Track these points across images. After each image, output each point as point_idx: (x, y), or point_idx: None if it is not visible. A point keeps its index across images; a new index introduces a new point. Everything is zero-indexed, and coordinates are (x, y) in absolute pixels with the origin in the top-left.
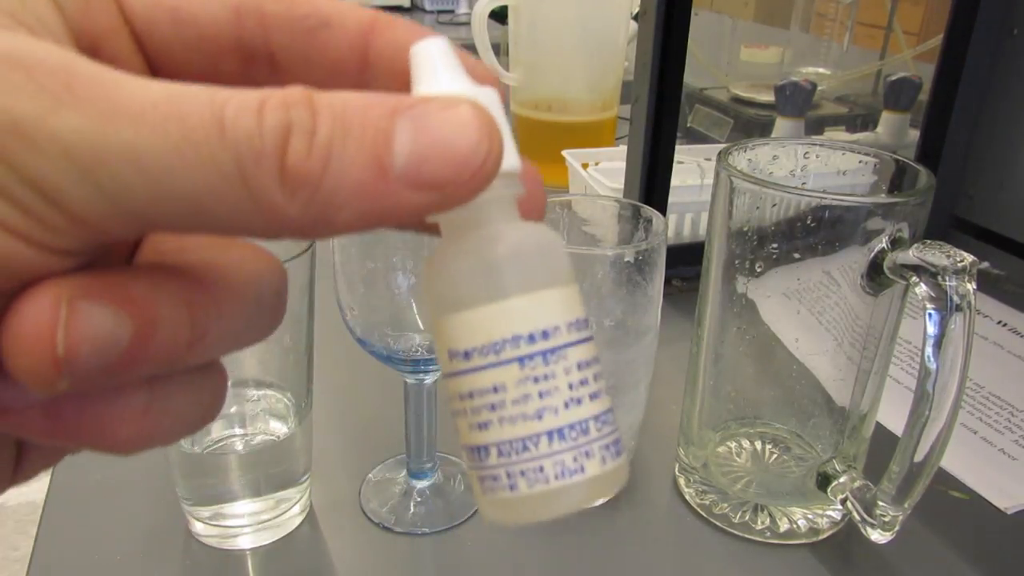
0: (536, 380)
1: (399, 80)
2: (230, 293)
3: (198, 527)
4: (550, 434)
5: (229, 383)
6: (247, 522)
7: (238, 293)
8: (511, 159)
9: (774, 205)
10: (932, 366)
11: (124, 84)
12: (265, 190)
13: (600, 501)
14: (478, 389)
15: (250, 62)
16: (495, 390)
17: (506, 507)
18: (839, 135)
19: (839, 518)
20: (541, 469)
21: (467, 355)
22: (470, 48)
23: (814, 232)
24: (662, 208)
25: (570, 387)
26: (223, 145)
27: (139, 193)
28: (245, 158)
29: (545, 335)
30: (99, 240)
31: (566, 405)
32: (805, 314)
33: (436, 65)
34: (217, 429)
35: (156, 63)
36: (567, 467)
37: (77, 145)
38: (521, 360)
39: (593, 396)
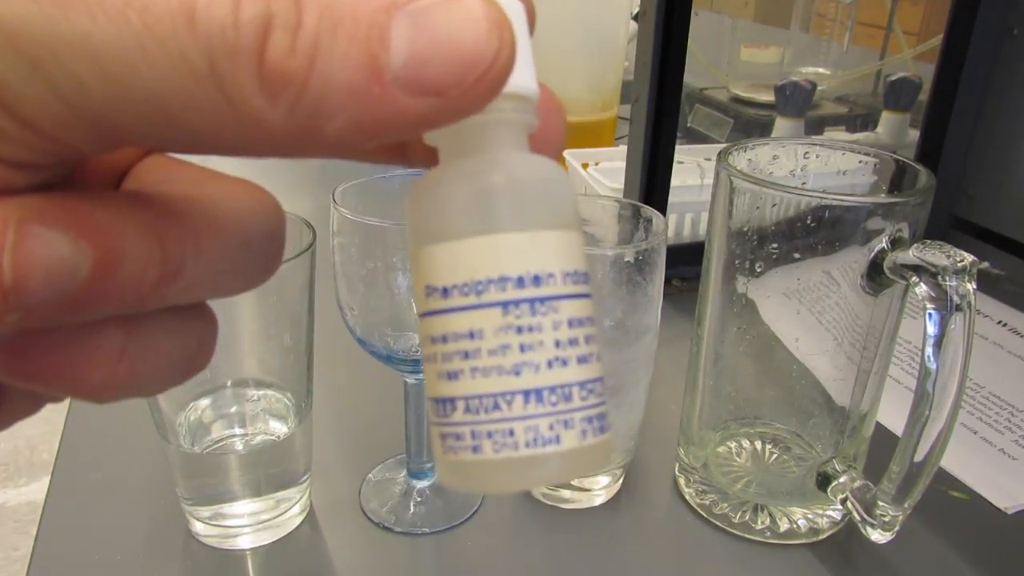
0: (519, 330)
1: None
2: (211, 229)
3: (198, 527)
4: (527, 394)
5: (228, 383)
6: (247, 522)
7: (221, 230)
8: (526, 80)
9: (774, 205)
10: (932, 366)
11: None
12: (242, 92)
13: (571, 479)
14: (452, 332)
15: None
16: (471, 336)
17: (466, 471)
18: (839, 135)
19: (839, 518)
20: (511, 432)
21: (445, 292)
22: None
23: (814, 232)
24: (662, 208)
25: (557, 344)
26: (193, 38)
27: (97, 94)
28: (218, 53)
29: (536, 281)
30: (58, 152)
31: (549, 364)
32: (805, 314)
33: None
34: (217, 429)
35: None
36: (541, 435)
37: (24, 33)
38: (505, 305)
39: (582, 359)
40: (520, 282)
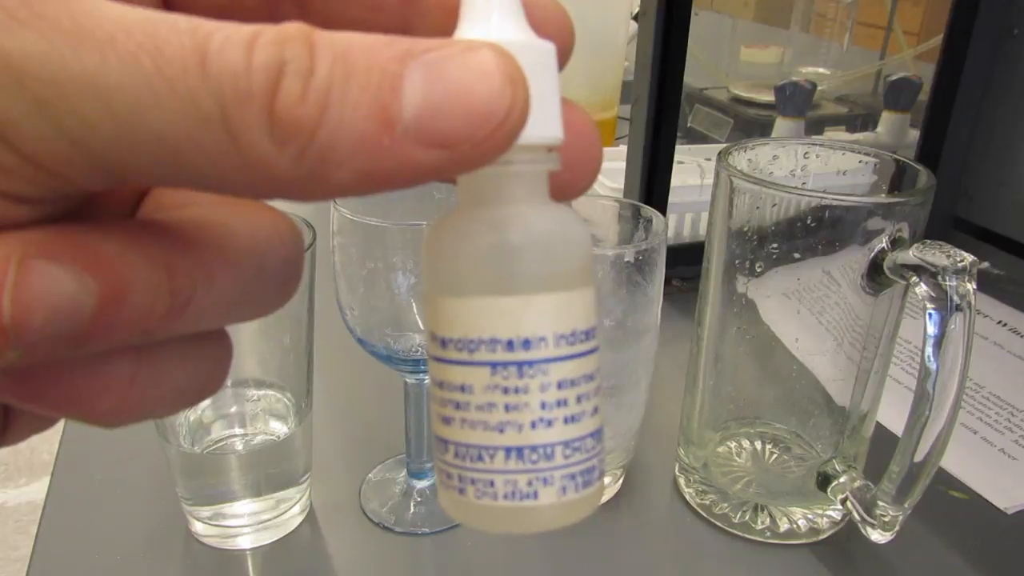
0: (505, 391)
1: (451, 19)
2: (224, 258)
3: (198, 527)
4: (508, 451)
5: (229, 383)
6: (247, 522)
7: (234, 258)
8: (547, 129)
9: (774, 205)
10: (932, 366)
11: (96, 4)
12: (251, 138)
13: (551, 529)
14: (448, 382)
15: None
16: (462, 389)
17: (453, 505)
18: (839, 135)
19: (839, 518)
20: (491, 484)
21: (444, 343)
22: None
23: (814, 232)
24: (662, 208)
25: (542, 406)
26: (204, 82)
27: (103, 134)
28: (228, 99)
29: (526, 345)
30: (62, 189)
31: (533, 425)
32: (805, 314)
33: (490, 4)
34: (217, 429)
35: None
36: (519, 489)
37: (31, 71)
38: (494, 366)
39: (570, 419)
40: (510, 345)
